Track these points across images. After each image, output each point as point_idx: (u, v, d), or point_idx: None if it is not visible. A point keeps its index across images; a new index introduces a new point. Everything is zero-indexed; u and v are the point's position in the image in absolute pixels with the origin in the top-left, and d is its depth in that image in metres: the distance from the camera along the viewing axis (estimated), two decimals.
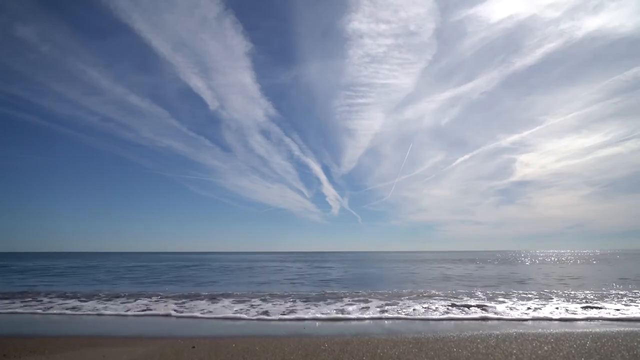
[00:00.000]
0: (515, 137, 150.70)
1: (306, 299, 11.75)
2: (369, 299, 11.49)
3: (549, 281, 17.89)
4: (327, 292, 13.91)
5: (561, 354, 5.26)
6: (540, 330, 7.08)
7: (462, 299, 11.59)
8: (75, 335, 7.12)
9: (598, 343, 5.85)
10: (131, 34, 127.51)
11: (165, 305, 10.59)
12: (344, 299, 11.74)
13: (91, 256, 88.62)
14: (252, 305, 10.54)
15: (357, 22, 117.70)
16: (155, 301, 11.54)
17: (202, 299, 11.96)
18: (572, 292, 13.02)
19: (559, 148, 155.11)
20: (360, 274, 23.88)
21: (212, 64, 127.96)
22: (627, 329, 7.20)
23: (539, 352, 5.36)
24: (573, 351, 5.38)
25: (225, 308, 10.17)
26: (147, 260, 53.57)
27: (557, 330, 6.99)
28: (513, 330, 7.07)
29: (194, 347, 5.86)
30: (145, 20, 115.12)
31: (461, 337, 6.40)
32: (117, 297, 12.67)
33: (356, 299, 11.70)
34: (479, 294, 12.86)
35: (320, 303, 10.89)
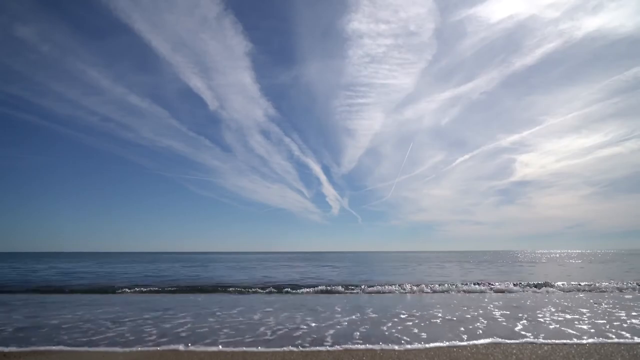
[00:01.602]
0: (515, 137, 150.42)
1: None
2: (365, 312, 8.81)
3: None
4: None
5: (561, 354, 5.25)
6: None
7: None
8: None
9: (598, 343, 5.85)
10: (131, 34, 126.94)
11: None
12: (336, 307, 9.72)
13: (90, 256, 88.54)
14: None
15: (357, 22, 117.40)
16: None
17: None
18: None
19: (559, 148, 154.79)
20: (360, 273, 23.84)
21: (212, 64, 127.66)
22: None
23: (539, 352, 5.35)
24: (573, 351, 5.38)
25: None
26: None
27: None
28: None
29: None
30: (145, 20, 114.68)
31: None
32: None
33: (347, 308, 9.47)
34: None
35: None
